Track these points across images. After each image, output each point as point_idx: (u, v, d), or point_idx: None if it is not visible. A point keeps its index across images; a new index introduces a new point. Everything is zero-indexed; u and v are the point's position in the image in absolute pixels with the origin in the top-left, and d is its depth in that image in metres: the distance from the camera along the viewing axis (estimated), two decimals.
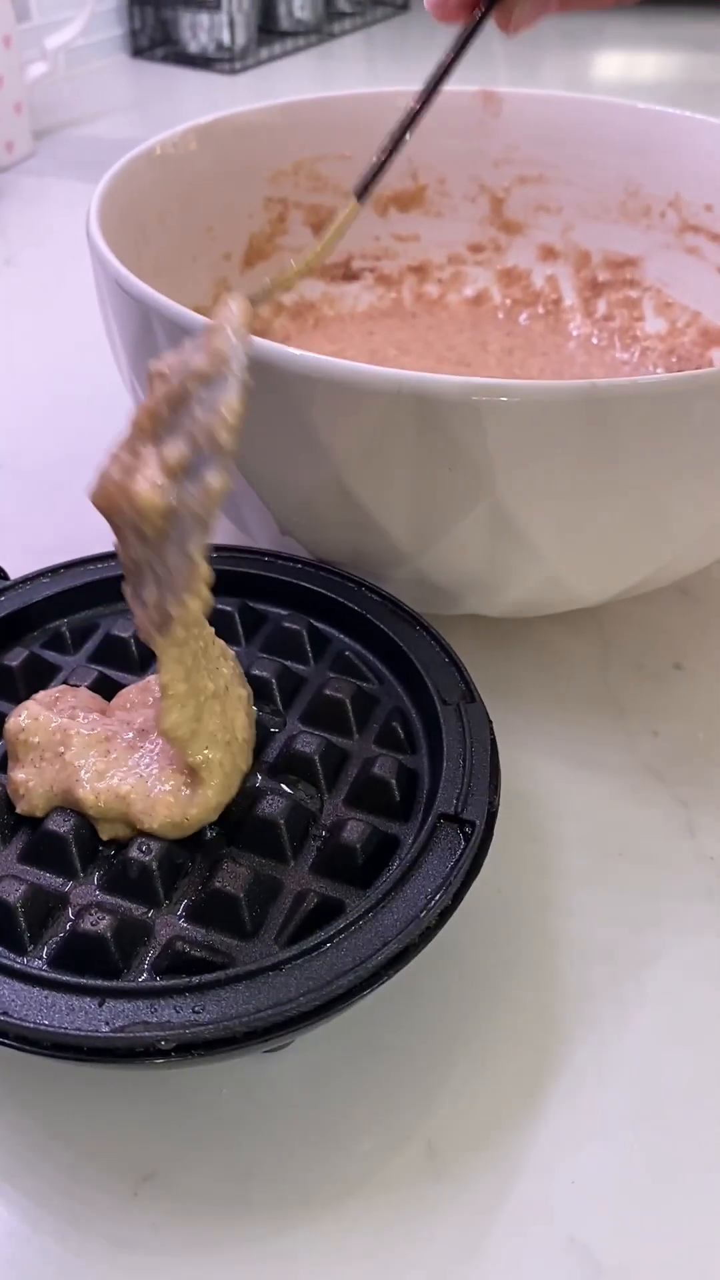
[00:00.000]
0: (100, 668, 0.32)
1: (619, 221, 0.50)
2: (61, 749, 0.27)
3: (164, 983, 0.24)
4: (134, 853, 0.26)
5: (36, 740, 0.28)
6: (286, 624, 0.33)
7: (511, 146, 0.50)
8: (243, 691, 0.29)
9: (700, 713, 0.38)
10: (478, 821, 0.26)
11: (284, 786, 0.29)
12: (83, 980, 0.24)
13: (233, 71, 1.08)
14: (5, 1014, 0.23)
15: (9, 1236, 0.25)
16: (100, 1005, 0.23)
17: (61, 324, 0.62)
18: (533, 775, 0.35)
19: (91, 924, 0.25)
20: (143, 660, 0.32)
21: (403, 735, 0.30)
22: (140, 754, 0.28)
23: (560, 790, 0.35)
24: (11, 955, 0.25)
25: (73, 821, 0.27)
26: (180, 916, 0.26)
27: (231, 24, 1.07)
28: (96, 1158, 0.26)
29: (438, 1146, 0.26)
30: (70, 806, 0.27)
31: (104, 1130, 0.26)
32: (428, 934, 0.24)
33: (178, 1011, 0.23)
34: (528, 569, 0.33)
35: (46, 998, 0.23)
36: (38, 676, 0.32)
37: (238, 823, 0.28)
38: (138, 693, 0.30)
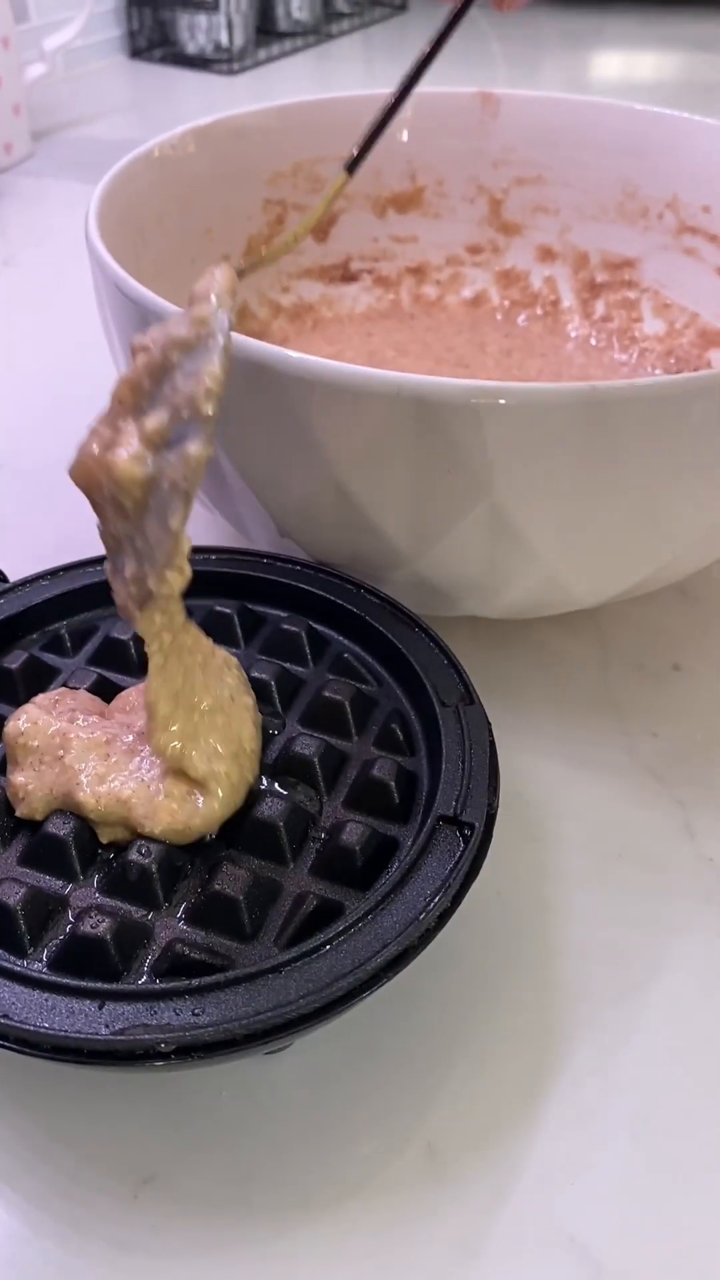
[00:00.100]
0: (100, 670, 0.32)
1: (617, 223, 0.50)
2: (61, 752, 0.27)
3: (164, 985, 0.24)
4: (134, 855, 0.26)
5: (36, 744, 0.28)
6: (285, 626, 0.33)
7: (509, 148, 0.50)
8: (249, 700, 0.29)
9: (699, 713, 0.38)
10: (477, 823, 0.27)
11: (283, 789, 0.29)
12: (83, 983, 0.24)
13: (231, 72, 1.08)
14: (5, 1016, 0.23)
15: (9, 1239, 0.25)
16: (100, 1008, 0.23)
17: (61, 324, 0.62)
18: (532, 776, 0.35)
19: (91, 926, 0.25)
20: (142, 663, 0.32)
21: (402, 737, 0.30)
22: (141, 758, 0.28)
23: (559, 791, 0.35)
24: (12, 958, 0.25)
25: (73, 824, 0.27)
26: (180, 919, 0.26)
27: (229, 25, 1.07)
28: (97, 1160, 0.26)
29: (438, 1148, 0.26)
30: (70, 809, 0.27)
31: (104, 1133, 0.26)
32: (427, 936, 0.24)
33: (178, 1014, 0.23)
34: (526, 570, 0.33)
35: (46, 1000, 0.23)
36: (37, 679, 0.32)
37: (237, 825, 0.28)
38: (138, 695, 0.30)
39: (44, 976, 0.24)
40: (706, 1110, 0.27)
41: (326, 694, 0.31)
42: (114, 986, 0.24)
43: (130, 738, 0.28)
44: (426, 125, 0.50)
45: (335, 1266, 0.24)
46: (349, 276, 0.52)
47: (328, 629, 0.34)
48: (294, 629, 0.33)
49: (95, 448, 0.25)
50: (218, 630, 0.33)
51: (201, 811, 0.27)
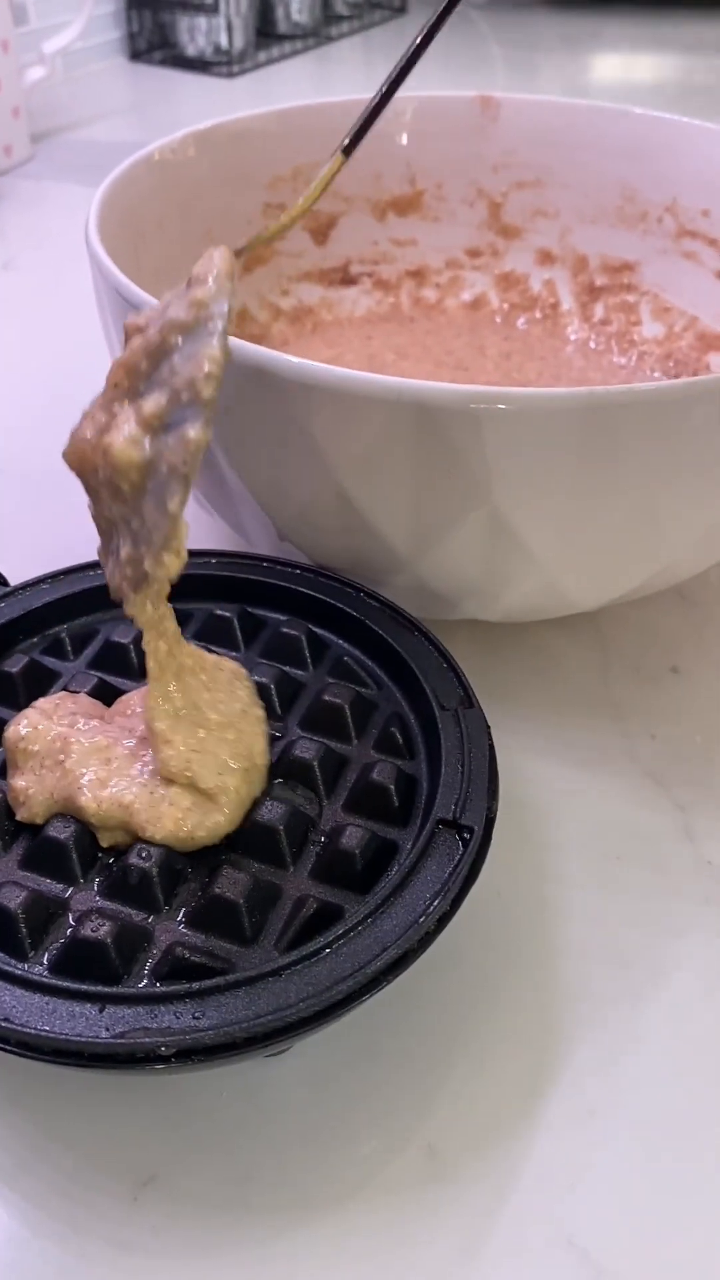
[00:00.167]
0: (100, 674, 0.32)
1: (616, 226, 0.50)
2: (62, 757, 0.28)
3: (164, 988, 0.24)
4: (134, 859, 0.26)
5: (36, 748, 0.28)
6: (285, 629, 0.33)
7: (509, 151, 0.50)
8: (260, 713, 0.29)
9: (698, 716, 0.38)
10: (476, 827, 0.27)
11: (283, 792, 0.29)
12: (83, 986, 0.24)
13: (230, 75, 1.08)
14: (6, 1020, 0.23)
15: (9, 1241, 0.25)
16: (101, 1011, 0.23)
17: (60, 327, 0.62)
18: (531, 779, 0.35)
19: (92, 930, 0.25)
20: (142, 666, 0.32)
21: (401, 741, 0.30)
22: (143, 762, 0.28)
23: (558, 794, 0.35)
24: (12, 961, 0.25)
25: (73, 828, 0.27)
26: (180, 922, 0.26)
27: (229, 27, 1.07)
28: (97, 1161, 0.26)
29: (437, 1149, 0.26)
30: (71, 814, 0.27)
31: (104, 1134, 0.26)
32: (427, 939, 0.25)
33: (178, 1017, 0.23)
34: (526, 574, 0.33)
35: (47, 1004, 0.23)
36: (37, 682, 0.32)
37: (237, 829, 0.28)
38: (139, 699, 0.30)
39: (45, 980, 0.24)
40: (707, 1111, 0.27)
41: (326, 697, 0.31)
42: (114, 990, 0.24)
43: (131, 742, 0.28)
44: (426, 129, 0.50)
45: (335, 1267, 0.24)
46: (349, 280, 0.53)
47: (327, 632, 0.34)
48: (294, 632, 0.33)
49: (89, 432, 0.25)
50: (218, 634, 0.33)
51: (206, 824, 0.27)
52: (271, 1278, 0.24)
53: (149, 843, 0.27)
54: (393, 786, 0.28)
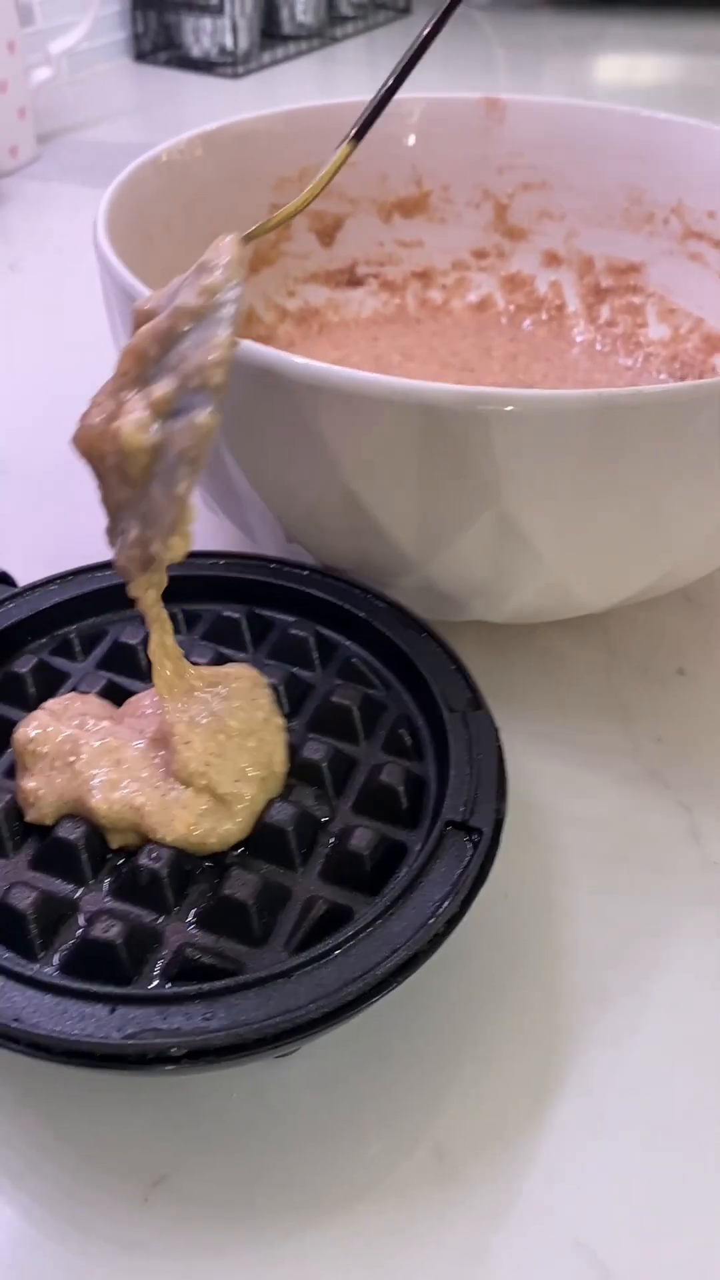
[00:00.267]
0: (109, 674, 0.32)
1: (622, 228, 0.50)
2: (72, 758, 0.28)
3: (174, 989, 0.24)
4: (144, 860, 0.26)
5: (45, 750, 0.28)
6: (293, 631, 0.33)
7: (515, 153, 0.50)
8: (280, 721, 0.29)
9: (704, 718, 0.38)
10: (485, 829, 0.27)
11: (292, 793, 0.29)
12: (94, 987, 0.24)
13: (235, 75, 1.08)
14: (17, 1020, 0.23)
15: (20, 1242, 0.25)
16: (111, 1012, 0.23)
17: (66, 328, 0.62)
18: (537, 780, 0.35)
19: (102, 931, 0.25)
20: (151, 667, 0.32)
21: (409, 742, 0.30)
22: (154, 764, 0.28)
23: (565, 795, 0.35)
24: (23, 961, 0.25)
25: (83, 829, 0.27)
26: (190, 923, 0.26)
27: (234, 28, 1.07)
28: (107, 1163, 0.26)
29: (445, 1150, 0.26)
30: (81, 815, 0.27)
31: (114, 1135, 0.27)
32: (436, 941, 0.25)
33: (188, 1018, 0.23)
34: (534, 576, 0.33)
35: (58, 1004, 0.23)
36: (46, 683, 0.32)
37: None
38: (150, 700, 0.30)
39: (55, 980, 0.24)
40: (715, 1112, 0.27)
41: (334, 699, 0.31)
42: (125, 990, 0.24)
43: (142, 743, 0.28)
44: (432, 130, 0.50)
45: (343, 1268, 0.24)
46: (355, 281, 0.53)
47: (335, 634, 0.34)
48: (302, 634, 0.33)
49: (98, 418, 0.25)
50: (226, 635, 0.34)
51: (219, 831, 0.27)
52: (280, 1278, 0.24)
53: (159, 844, 0.27)
54: (401, 788, 0.28)
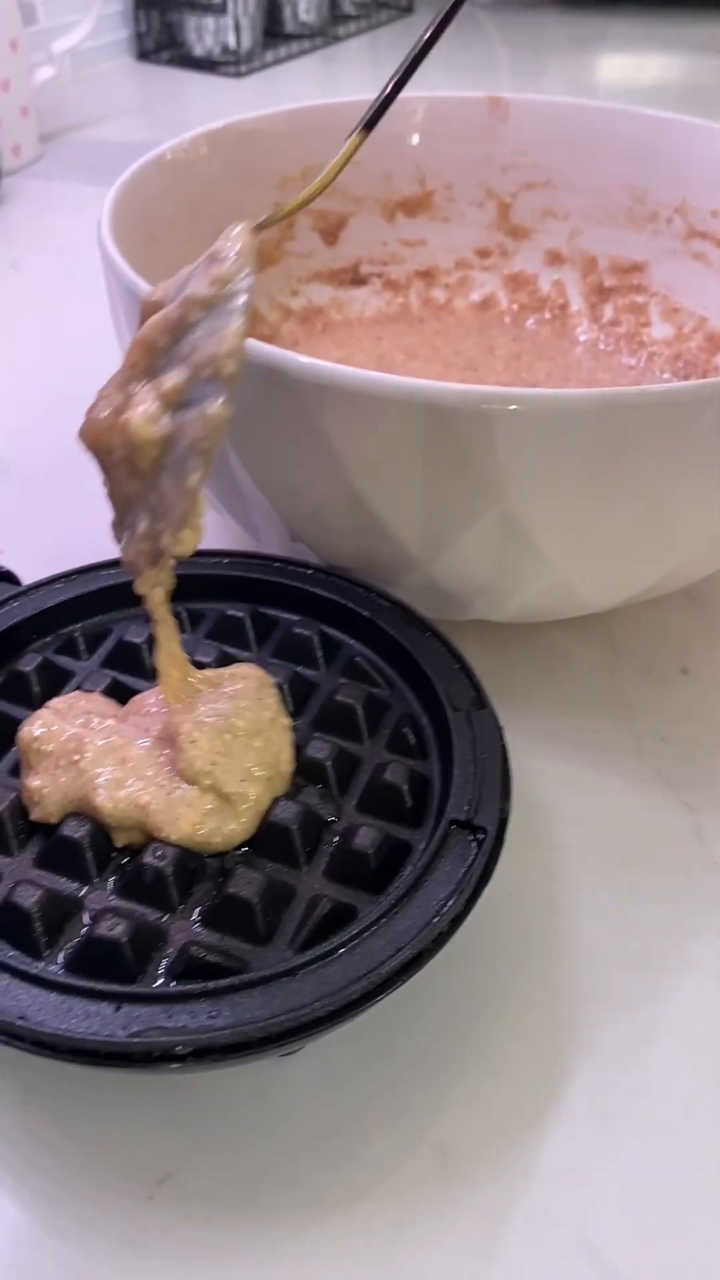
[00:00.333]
0: (113, 673, 0.32)
1: (626, 227, 0.50)
2: (76, 757, 0.28)
3: (179, 988, 0.24)
4: (149, 859, 0.26)
5: (50, 748, 0.28)
6: (297, 629, 0.33)
7: (519, 152, 0.50)
8: (287, 721, 0.29)
9: (708, 717, 0.38)
10: (490, 828, 0.27)
11: (296, 792, 0.29)
12: (99, 985, 0.24)
13: (238, 74, 1.08)
14: (22, 1018, 0.23)
15: (24, 1240, 0.25)
16: (116, 1010, 0.23)
17: (68, 327, 0.62)
18: (540, 779, 0.35)
19: (107, 929, 0.25)
20: (156, 664, 0.32)
21: (413, 741, 0.30)
22: (159, 762, 0.28)
23: (568, 794, 0.35)
24: (28, 960, 0.25)
25: (88, 827, 0.27)
26: (195, 922, 0.26)
27: (237, 27, 1.07)
28: (112, 1161, 0.26)
29: (450, 1148, 0.26)
30: (86, 813, 0.27)
31: (118, 1134, 0.27)
32: (441, 939, 0.25)
33: (193, 1016, 0.23)
34: (537, 575, 0.33)
35: (63, 1002, 0.23)
36: (51, 682, 0.32)
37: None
38: (156, 699, 0.30)
39: (60, 979, 0.24)
40: (718, 1112, 0.27)
41: (338, 697, 0.31)
42: (130, 989, 0.24)
43: (147, 741, 0.28)
44: (436, 129, 0.50)
45: (347, 1268, 0.24)
46: (358, 280, 0.53)
47: (339, 632, 0.34)
48: (306, 632, 0.33)
49: (105, 411, 0.25)
50: (230, 634, 0.34)
51: (223, 831, 0.27)
52: (285, 1277, 0.24)
53: (164, 843, 0.27)
54: (406, 787, 0.28)
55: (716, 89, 1.07)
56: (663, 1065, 0.28)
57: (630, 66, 1.20)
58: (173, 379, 0.24)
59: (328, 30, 1.21)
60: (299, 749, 0.30)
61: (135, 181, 0.41)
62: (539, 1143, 0.27)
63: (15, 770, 0.29)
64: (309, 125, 0.48)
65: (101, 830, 0.27)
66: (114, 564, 0.34)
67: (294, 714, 0.31)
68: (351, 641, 0.34)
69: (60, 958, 0.25)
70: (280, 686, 0.31)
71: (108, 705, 0.30)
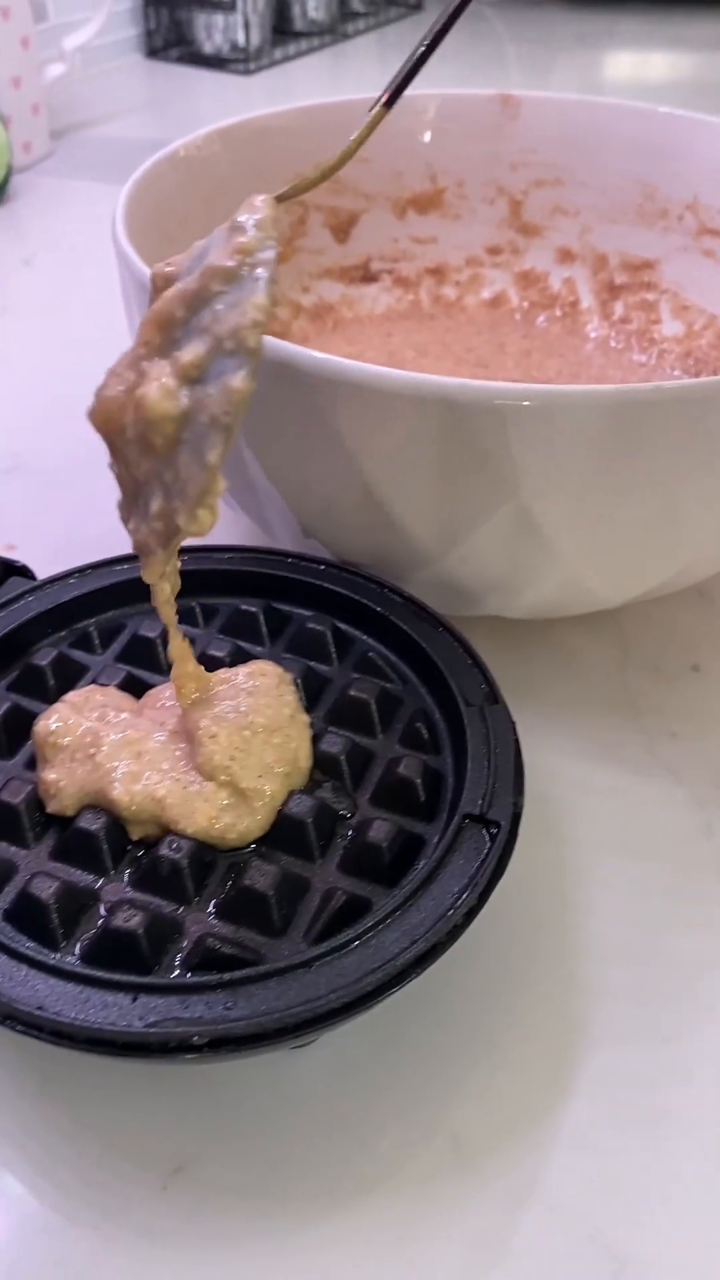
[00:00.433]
0: (128, 667, 0.32)
1: (636, 224, 0.50)
2: (92, 750, 0.28)
3: (195, 979, 0.24)
4: (164, 851, 0.26)
5: (66, 742, 0.28)
6: (310, 625, 0.33)
7: (529, 150, 0.50)
8: (305, 717, 0.30)
9: (718, 714, 0.38)
10: (503, 822, 0.27)
11: (310, 786, 0.29)
12: (116, 976, 0.24)
13: (247, 72, 1.08)
14: (40, 1008, 0.23)
15: (41, 1229, 0.25)
16: (133, 1001, 0.23)
17: (79, 324, 0.62)
18: (551, 775, 0.35)
19: (123, 920, 0.25)
20: (170, 660, 0.33)
21: (426, 736, 0.31)
22: (174, 756, 0.28)
23: (579, 790, 0.35)
24: (45, 951, 0.25)
25: (104, 820, 0.27)
26: (210, 914, 0.26)
27: (246, 24, 1.07)
28: (127, 1151, 0.26)
29: (462, 1140, 0.26)
30: (102, 806, 0.27)
31: (134, 1124, 0.27)
32: (455, 932, 0.25)
33: (209, 1007, 0.23)
34: (549, 571, 0.33)
35: (80, 993, 0.24)
36: (66, 676, 0.32)
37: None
38: (170, 692, 0.30)
39: (77, 970, 0.24)
40: None
41: (352, 692, 0.31)
42: (146, 980, 0.24)
43: (163, 735, 0.28)
44: (446, 127, 0.51)
45: (359, 1258, 0.25)
46: (369, 277, 0.53)
47: (352, 628, 0.34)
48: (319, 628, 0.33)
49: (117, 389, 0.25)
50: (243, 629, 0.34)
51: (239, 828, 0.27)
52: (298, 1267, 0.24)
53: (179, 835, 0.27)
54: (419, 781, 0.29)
55: None
56: (674, 1058, 0.28)
57: (639, 63, 1.19)
58: (192, 352, 0.23)
59: (336, 28, 1.21)
60: (313, 743, 0.30)
61: (149, 178, 0.41)
62: (551, 1135, 0.27)
63: (31, 763, 0.30)
64: (321, 122, 0.48)
65: (117, 823, 0.27)
66: (127, 559, 0.34)
67: (307, 709, 0.31)
68: (364, 637, 0.34)
69: (77, 949, 0.25)
70: (294, 681, 0.31)
71: (123, 699, 0.30)
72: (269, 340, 0.30)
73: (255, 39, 1.09)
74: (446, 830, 0.27)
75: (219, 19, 1.08)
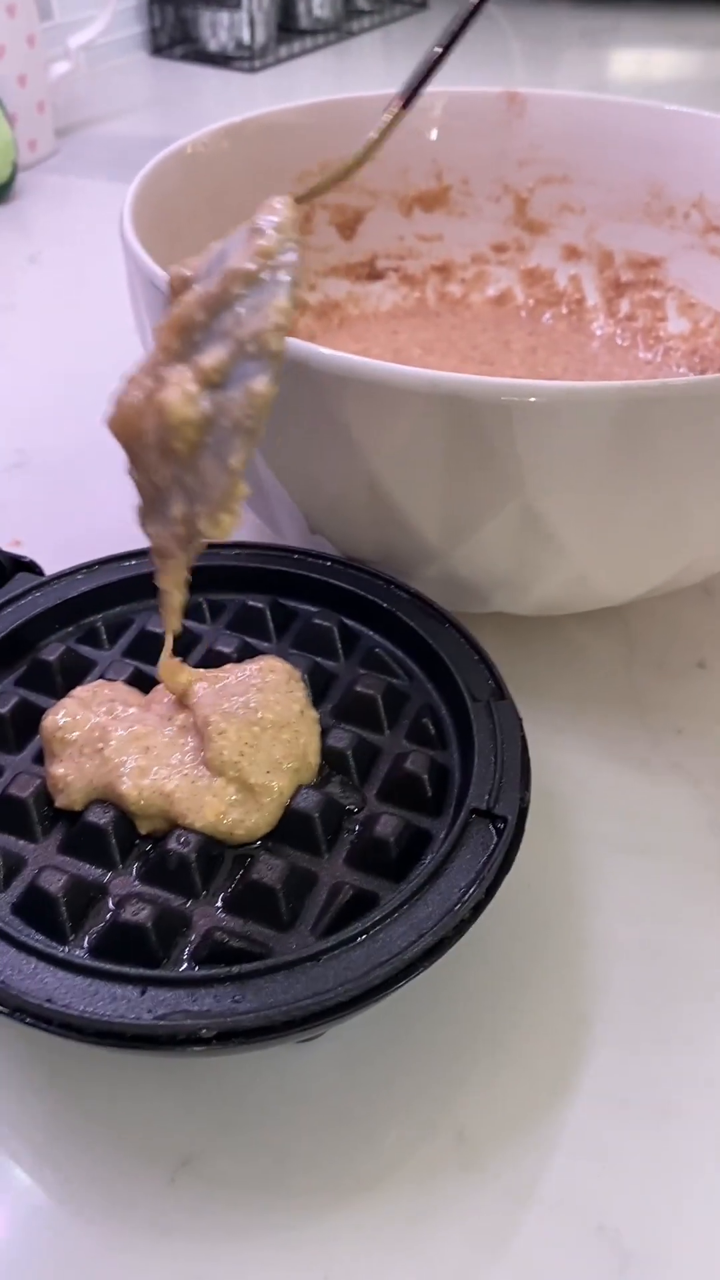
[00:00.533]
0: (135, 662, 0.32)
1: (642, 222, 0.50)
2: (101, 745, 0.28)
3: (204, 972, 0.24)
4: (172, 844, 0.27)
5: (75, 736, 0.28)
6: (317, 621, 0.33)
7: (535, 147, 0.51)
8: (314, 714, 0.30)
9: None
10: (510, 817, 0.27)
11: (319, 780, 0.29)
12: (124, 969, 0.24)
13: (252, 70, 1.08)
14: (49, 1001, 0.23)
15: (47, 1222, 0.25)
16: (142, 993, 0.24)
17: (86, 321, 0.62)
18: (558, 772, 0.35)
19: (132, 914, 0.25)
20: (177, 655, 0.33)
21: (433, 731, 0.31)
22: (183, 750, 0.28)
23: (585, 786, 0.35)
24: (54, 944, 0.25)
25: (112, 814, 0.27)
26: (218, 907, 0.26)
27: (251, 22, 1.07)
28: (135, 1143, 0.26)
29: (467, 1134, 0.27)
30: (110, 801, 0.27)
31: (141, 1116, 0.27)
32: (462, 926, 0.25)
33: (218, 1000, 0.23)
34: (556, 567, 0.33)
35: (89, 985, 0.24)
36: (74, 671, 0.32)
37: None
38: None
39: (86, 962, 0.24)
40: None
41: (358, 688, 0.31)
42: (155, 973, 0.24)
43: (171, 730, 0.28)
44: (453, 124, 0.51)
45: (365, 1251, 0.25)
46: (375, 274, 0.53)
47: (359, 624, 0.34)
48: (325, 624, 0.33)
49: (136, 395, 0.25)
50: (250, 625, 0.34)
51: (247, 824, 0.27)
52: (303, 1260, 0.25)
53: (187, 829, 0.27)
54: (426, 776, 0.29)
55: None
56: (678, 1054, 0.28)
57: (644, 60, 1.19)
58: (213, 356, 0.23)
59: (341, 25, 1.21)
60: (321, 738, 0.30)
61: (156, 175, 0.41)
62: (556, 1129, 0.27)
63: (39, 758, 0.30)
64: (329, 120, 0.48)
65: (125, 817, 0.27)
66: (135, 554, 0.35)
67: (314, 704, 0.32)
68: (371, 633, 0.34)
69: (86, 942, 0.26)
70: (301, 677, 0.31)
71: (131, 694, 0.30)
72: None
73: (260, 37, 1.09)
74: (453, 825, 0.27)
75: (224, 17, 1.08)
